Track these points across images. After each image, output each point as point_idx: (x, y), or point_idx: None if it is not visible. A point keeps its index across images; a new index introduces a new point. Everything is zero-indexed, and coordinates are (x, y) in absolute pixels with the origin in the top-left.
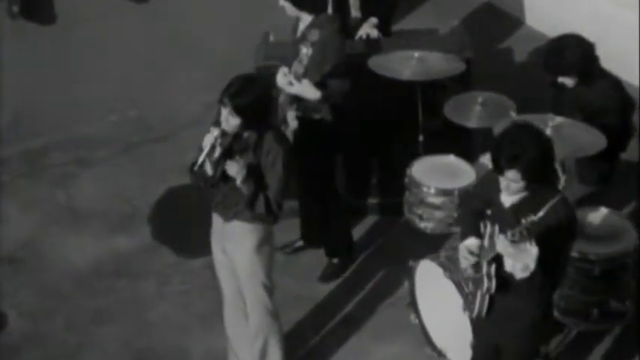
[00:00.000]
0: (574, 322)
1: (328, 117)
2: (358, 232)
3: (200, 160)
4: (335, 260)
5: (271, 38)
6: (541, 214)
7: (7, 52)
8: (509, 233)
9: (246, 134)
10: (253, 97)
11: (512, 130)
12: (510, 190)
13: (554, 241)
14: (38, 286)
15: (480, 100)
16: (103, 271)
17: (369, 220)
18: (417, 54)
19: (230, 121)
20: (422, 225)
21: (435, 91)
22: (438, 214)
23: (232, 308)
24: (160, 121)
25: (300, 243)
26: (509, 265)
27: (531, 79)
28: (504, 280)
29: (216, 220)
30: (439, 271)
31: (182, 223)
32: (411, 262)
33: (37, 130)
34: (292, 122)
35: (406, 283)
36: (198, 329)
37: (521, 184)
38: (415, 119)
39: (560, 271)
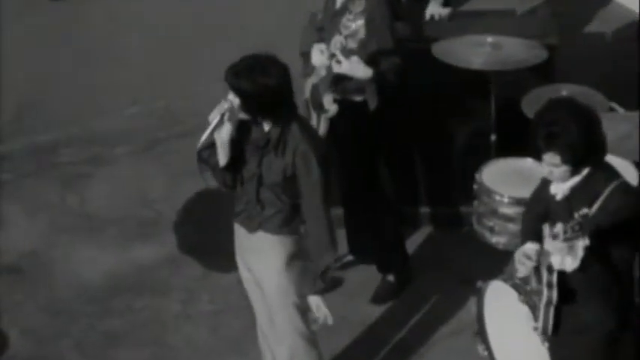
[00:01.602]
0: None
1: (374, 101)
2: (411, 246)
3: (204, 137)
4: (390, 278)
5: (319, 19)
6: (596, 206)
7: (11, 32)
8: (559, 228)
9: (266, 127)
10: (259, 84)
11: (550, 107)
12: (554, 176)
13: (617, 235)
14: (44, 302)
15: (564, 94)
16: (119, 287)
17: (423, 233)
18: (490, 39)
19: (236, 103)
20: (493, 239)
21: (511, 83)
22: (512, 226)
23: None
24: (188, 114)
25: (349, 258)
26: (557, 261)
27: (624, 69)
28: (569, 289)
29: (239, 232)
30: (513, 294)
31: (212, 232)
32: (479, 283)
33: (45, 123)
34: (330, 107)
35: (473, 308)
36: (229, 355)
37: (563, 168)
38: (486, 116)
39: (631, 270)
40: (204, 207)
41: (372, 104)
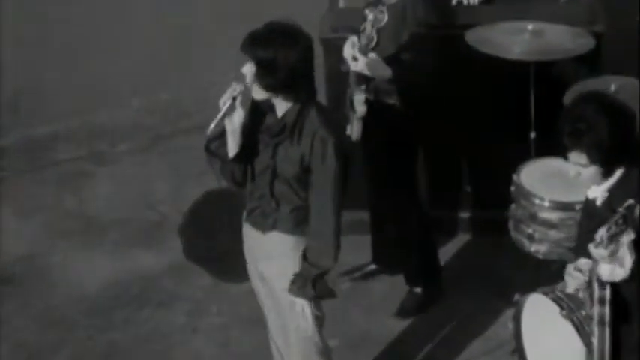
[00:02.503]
0: None
1: (397, 102)
2: (444, 254)
3: (213, 124)
4: (417, 290)
5: (341, 4)
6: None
7: (5, 14)
8: (602, 231)
9: (280, 111)
10: (280, 53)
11: (578, 102)
12: (583, 178)
13: None
14: (38, 313)
15: (612, 87)
16: (120, 297)
17: (459, 240)
18: (530, 26)
19: (250, 80)
20: (532, 248)
21: (553, 74)
22: (554, 234)
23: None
24: (197, 107)
25: (372, 267)
26: (605, 272)
27: None
28: (625, 305)
29: (249, 234)
30: (555, 308)
31: (223, 238)
32: (516, 297)
33: (42, 116)
34: (360, 107)
35: (510, 324)
36: None
37: (592, 169)
38: (526, 111)
39: None
40: (213, 210)
41: (393, 100)
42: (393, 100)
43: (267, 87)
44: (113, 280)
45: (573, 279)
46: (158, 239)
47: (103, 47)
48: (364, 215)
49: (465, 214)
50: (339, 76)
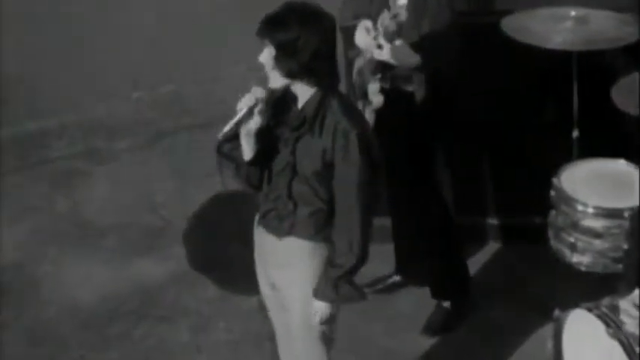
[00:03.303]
0: None
1: (421, 91)
2: (474, 265)
3: (227, 127)
4: (446, 304)
5: None
6: None
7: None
8: None
9: (302, 101)
10: (301, 34)
11: None
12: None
13: None
14: (27, 327)
15: None
16: (117, 310)
17: (489, 249)
18: (573, 12)
19: (277, 67)
20: (574, 259)
21: (598, 67)
22: (599, 243)
23: None
24: (202, 102)
25: (396, 278)
26: None
27: None
28: None
29: (262, 238)
30: (599, 326)
31: (231, 245)
32: (556, 313)
33: (33, 110)
34: (375, 98)
35: (549, 343)
36: None
37: None
38: (568, 106)
39: None
40: (221, 214)
41: (419, 95)
42: (411, 88)
43: (288, 73)
44: (110, 292)
45: (632, 319)
46: (160, 246)
47: (100, 36)
48: (385, 221)
49: (496, 221)
50: None
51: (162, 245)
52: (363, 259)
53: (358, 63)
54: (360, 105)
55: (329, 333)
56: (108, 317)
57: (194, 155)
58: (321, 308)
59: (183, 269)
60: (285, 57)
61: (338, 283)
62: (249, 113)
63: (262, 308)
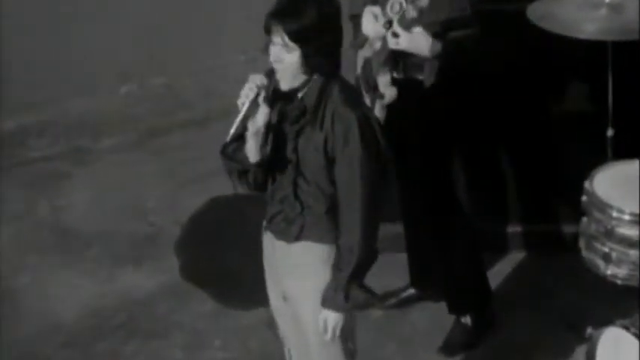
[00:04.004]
0: None
1: (430, 77)
2: (495, 277)
3: (234, 127)
4: (465, 320)
5: None
6: None
7: None
8: None
9: (301, 92)
10: (320, 15)
11: None
12: None
13: None
14: (5, 345)
15: None
16: (103, 326)
17: (512, 259)
18: None
19: (285, 59)
20: (608, 271)
21: (635, 58)
22: (635, 254)
23: None
24: (197, 96)
25: (410, 291)
26: None
27: None
28: None
29: (271, 245)
30: (636, 346)
31: (228, 254)
32: (589, 331)
33: (9, 106)
34: (387, 90)
35: None
36: None
37: None
38: (602, 102)
39: None
40: (217, 220)
41: (429, 81)
42: (425, 76)
43: (312, 63)
44: (95, 307)
45: None
46: (150, 256)
47: (84, 22)
48: (397, 228)
49: (519, 228)
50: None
51: (153, 255)
52: (365, 261)
53: (364, 53)
54: (368, 100)
55: (351, 346)
56: (93, 334)
57: (189, 155)
58: (332, 318)
59: (176, 281)
60: (307, 43)
61: (347, 288)
62: (254, 105)
63: (271, 324)
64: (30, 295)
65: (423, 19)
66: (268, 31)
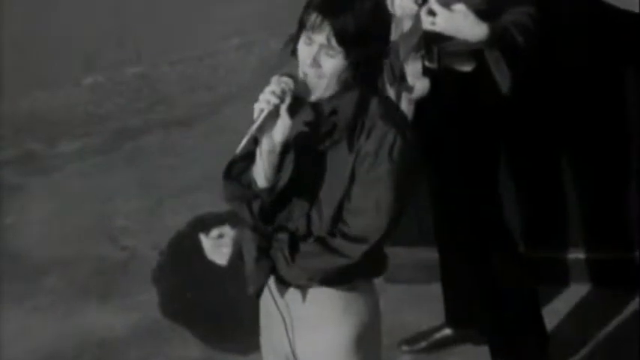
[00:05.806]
0: None
1: (506, 78)
2: (550, 315)
3: (245, 139)
4: None
5: None
6: None
7: None
8: None
9: (331, 104)
10: (374, 15)
11: None
12: None
13: None
14: None
15: None
16: None
17: (572, 293)
18: None
19: (325, 64)
20: None
21: None
22: None
23: None
24: (180, 88)
25: (446, 332)
26: None
27: None
28: None
29: (273, 291)
30: None
31: (217, 286)
32: None
33: None
34: (417, 82)
35: None
36: None
37: None
38: None
39: None
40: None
41: (505, 85)
42: (468, 67)
43: (355, 75)
44: (52, 350)
45: None
46: (120, 288)
47: (40, 3)
48: (431, 253)
49: (580, 255)
50: None
51: (124, 287)
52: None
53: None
54: (392, 93)
55: None
56: None
57: (169, 162)
58: None
59: (153, 319)
60: (347, 50)
61: None
62: (273, 115)
63: None
64: None
65: None
66: (304, 26)
